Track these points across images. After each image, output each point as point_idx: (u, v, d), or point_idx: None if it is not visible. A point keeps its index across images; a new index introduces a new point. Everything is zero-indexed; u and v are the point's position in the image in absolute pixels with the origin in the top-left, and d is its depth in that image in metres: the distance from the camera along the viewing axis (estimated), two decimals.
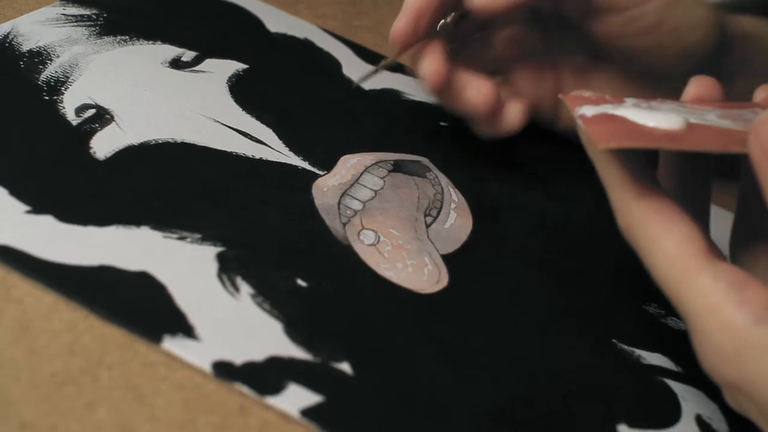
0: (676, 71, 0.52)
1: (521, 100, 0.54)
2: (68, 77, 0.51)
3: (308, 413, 0.39)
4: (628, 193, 0.39)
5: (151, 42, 0.56)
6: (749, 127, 0.37)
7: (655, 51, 0.52)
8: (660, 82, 0.53)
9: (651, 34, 0.52)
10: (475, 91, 0.52)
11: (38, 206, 0.43)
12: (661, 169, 0.45)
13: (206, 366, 0.39)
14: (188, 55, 0.56)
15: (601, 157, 0.40)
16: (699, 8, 0.52)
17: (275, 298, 0.43)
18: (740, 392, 0.37)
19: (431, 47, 0.52)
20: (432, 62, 0.51)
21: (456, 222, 0.51)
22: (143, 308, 0.41)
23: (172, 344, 0.39)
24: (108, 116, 0.50)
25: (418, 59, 0.52)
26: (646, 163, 0.40)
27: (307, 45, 0.62)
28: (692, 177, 0.45)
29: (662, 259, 0.38)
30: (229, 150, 0.50)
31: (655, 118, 0.38)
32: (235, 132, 0.52)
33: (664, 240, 0.38)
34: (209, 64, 0.56)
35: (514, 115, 0.53)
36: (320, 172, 0.51)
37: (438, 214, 0.51)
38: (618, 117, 0.39)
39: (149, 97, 0.52)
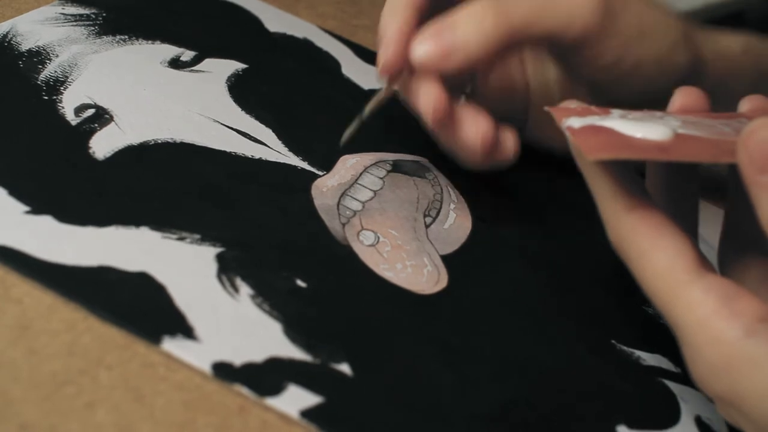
0: (645, 96, 0.50)
1: (512, 130, 0.50)
2: (67, 77, 0.51)
3: (308, 414, 0.39)
4: (618, 205, 0.39)
5: (150, 41, 0.56)
6: (737, 137, 0.37)
7: (619, 83, 0.50)
8: (631, 102, 0.51)
9: (612, 70, 0.50)
10: (474, 128, 0.48)
11: (37, 206, 0.43)
12: (649, 180, 0.45)
13: (206, 367, 0.39)
14: (187, 54, 0.56)
15: (590, 169, 0.40)
16: (668, 38, 0.50)
17: (275, 298, 0.43)
18: (731, 406, 0.37)
19: (426, 76, 0.47)
20: (432, 93, 0.47)
21: (455, 222, 0.51)
22: (143, 309, 0.40)
23: (172, 345, 0.39)
24: (107, 116, 0.50)
25: (413, 90, 0.48)
26: (635, 174, 0.40)
27: (306, 45, 0.62)
28: (680, 187, 0.45)
29: (652, 272, 0.38)
30: (228, 150, 0.50)
31: (643, 129, 0.38)
32: (234, 132, 0.52)
33: (654, 253, 0.38)
34: (208, 63, 0.56)
35: (509, 146, 0.50)
36: (319, 173, 0.51)
37: (437, 214, 0.51)
38: (606, 128, 0.39)
39: (148, 96, 0.52)
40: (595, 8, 0.48)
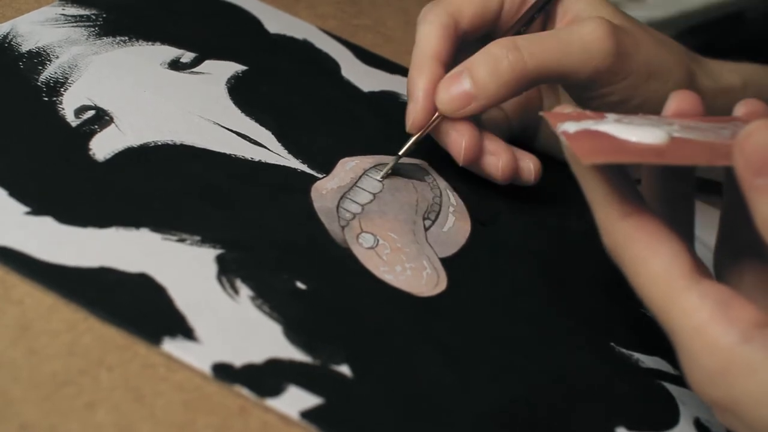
0: None
1: (533, 159, 0.53)
2: (67, 78, 0.51)
3: (308, 415, 0.39)
4: (613, 211, 0.39)
5: (150, 43, 0.56)
6: (733, 140, 0.37)
7: None
8: None
9: (619, 107, 0.51)
10: (495, 164, 0.52)
11: (38, 207, 0.43)
12: (645, 184, 0.45)
13: (206, 368, 0.39)
14: (187, 56, 0.56)
15: (585, 174, 0.39)
16: (673, 79, 0.52)
17: (275, 300, 0.43)
18: (729, 412, 0.37)
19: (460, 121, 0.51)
20: (461, 138, 0.51)
21: (454, 225, 0.51)
22: (143, 310, 0.41)
23: (172, 346, 0.39)
24: (107, 118, 0.50)
25: (443, 131, 0.51)
26: (630, 179, 0.40)
27: (306, 46, 0.62)
28: (676, 192, 0.45)
29: (647, 278, 0.38)
30: (228, 152, 0.50)
31: (638, 133, 0.38)
32: (234, 134, 0.52)
33: (650, 259, 0.38)
34: (208, 65, 0.56)
35: (527, 176, 0.53)
36: (319, 175, 0.51)
37: (437, 217, 0.51)
38: (601, 132, 0.39)
39: (149, 98, 0.52)
40: (608, 51, 0.50)
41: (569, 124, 0.39)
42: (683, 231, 0.44)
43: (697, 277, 0.37)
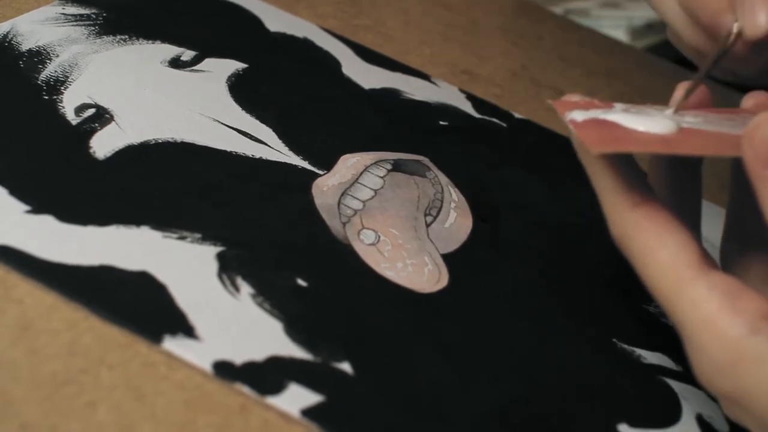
0: None
1: None
2: (68, 77, 0.51)
3: (309, 413, 0.39)
4: (621, 201, 0.39)
5: (150, 41, 0.56)
6: (741, 132, 0.37)
7: None
8: None
9: None
10: None
11: (38, 206, 0.43)
12: (652, 175, 0.45)
13: (207, 366, 0.39)
14: (188, 54, 0.56)
15: (593, 163, 0.39)
16: None
17: (275, 297, 0.43)
18: (736, 404, 0.37)
19: None
20: None
21: (456, 221, 0.51)
22: (143, 308, 0.40)
23: (173, 344, 0.39)
24: (108, 116, 0.50)
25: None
26: (638, 169, 0.40)
27: (306, 44, 0.62)
28: (683, 183, 0.45)
29: (655, 268, 0.38)
30: (229, 149, 0.50)
31: (646, 123, 0.38)
32: (234, 131, 0.52)
33: (658, 250, 0.38)
34: (209, 63, 0.56)
35: None
36: (320, 172, 0.51)
37: (438, 213, 0.51)
38: (609, 122, 0.38)
39: (149, 96, 0.52)
40: None
41: (577, 113, 0.39)
42: (690, 222, 0.44)
43: (705, 268, 0.37)
